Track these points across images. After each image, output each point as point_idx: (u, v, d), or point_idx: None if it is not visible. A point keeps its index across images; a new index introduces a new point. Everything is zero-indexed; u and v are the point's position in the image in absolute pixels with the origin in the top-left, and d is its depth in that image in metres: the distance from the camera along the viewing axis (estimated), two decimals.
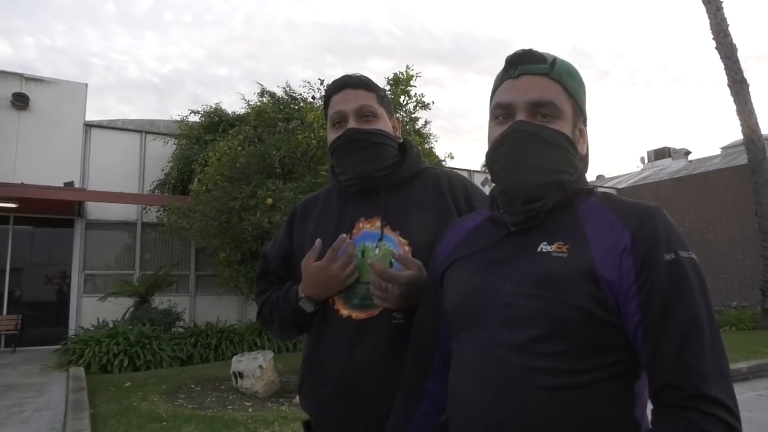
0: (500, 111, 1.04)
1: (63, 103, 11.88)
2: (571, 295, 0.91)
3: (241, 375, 6.67)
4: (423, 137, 8.98)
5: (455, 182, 1.45)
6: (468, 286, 1.06)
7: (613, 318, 0.91)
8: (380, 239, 1.34)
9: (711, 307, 0.91)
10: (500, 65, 1.07)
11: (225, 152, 7.30)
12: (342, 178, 1.44)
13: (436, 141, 9.98)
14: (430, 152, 8.70)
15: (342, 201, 1.45)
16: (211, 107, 11.89)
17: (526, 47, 1.06)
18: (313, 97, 7.83)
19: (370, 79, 1.45)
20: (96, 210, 11.76)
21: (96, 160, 12.12)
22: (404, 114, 7.28)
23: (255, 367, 6.60)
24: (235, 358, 7.04)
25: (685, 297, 0.88)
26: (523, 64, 1.03)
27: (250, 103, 10.43)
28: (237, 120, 10.89)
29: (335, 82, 1.45)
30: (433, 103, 7.45)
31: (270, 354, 6.99)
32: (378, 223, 1.36)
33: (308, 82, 7.99)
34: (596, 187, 1.08)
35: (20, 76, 11.67)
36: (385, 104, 1.46)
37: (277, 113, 7.87)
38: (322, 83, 7.23)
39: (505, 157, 1.01)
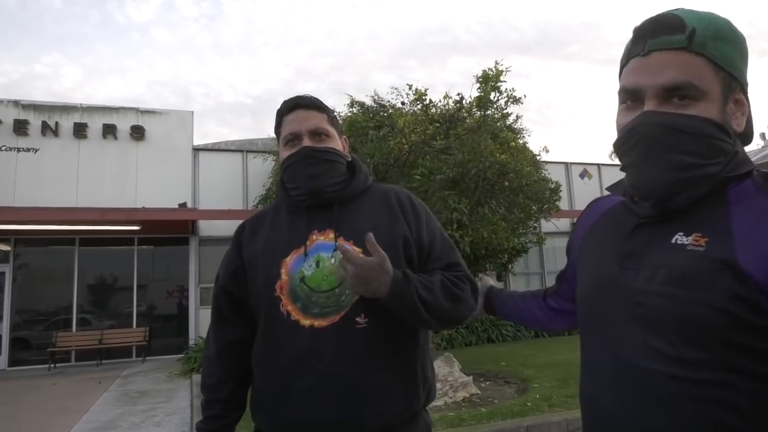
0: (627, 96, 0.90)
1: (173, 131, 12.90)
2: (708, 295, 0.79)
3: None
4: (515, 132, 8.74)
5: (401, 195, 1.52)
6: (598, 278, 0.98)
7: (766, 322, 0.76)
8: (335, 249, 1.37)
9: None
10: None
11: None
12: (294, 193, 1.48)
13: (529, 135, 9.72)
14: (525, 148, 8.44)
15: (293, 215, 1.49)
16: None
17: (660, 12, 0.89)
18: (402, 103, 7.87)
19: (320, 101, 1.52)
20: (207, 227, 12.62)
21: (204, 180, 13.01)
22: (495, 110, 7.12)
23: None
24: None
25: None
26: (654, 37, 0.86)
27: (341, 114, 10.71)
28: None
29: (286, 102, 1.51)
30: (525, 96, 7.23)
31: None
32: (331, 235, 1.41)
33: (396, 89, 8.07)
34: (757, 168, 0.88)
35: (136, 110, 12.82)
36: (335, 124, 1.54)
37: (367, 122, 8.01)
38: (410, 88, 7.26)
39: (635, 156, 0.88)
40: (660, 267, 0.86)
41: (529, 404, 5.47)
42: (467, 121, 7.14)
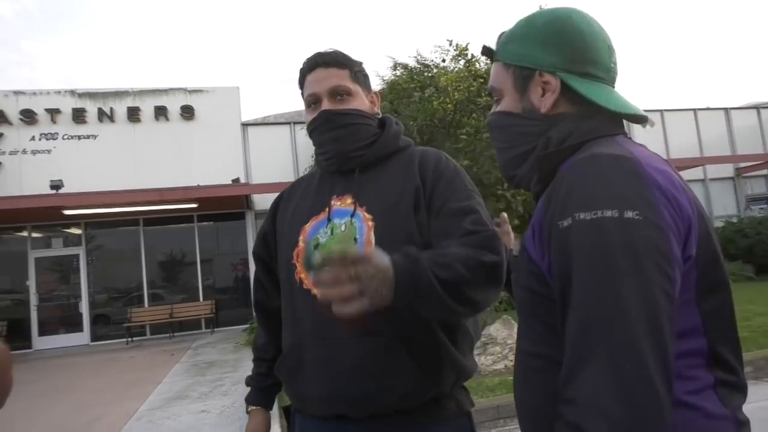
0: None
1: (221, 108, 13.08)
2: (521, 276, 0.88)
3: None
4: None
5: (428, 154, 1.39)
6: None
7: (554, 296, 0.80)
8: (352, 215, 1.30)
9: (614, 288, 0.69)
10: None
11: None
12: (321, 158, 1.43)
13: None
14: None
15: (321, 182, 1.44)
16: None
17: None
18: (443, 60, 7.58)
19: (342, 55, 1.40)
20: (261, 201, 12.85)
21: (255, 155, 13.20)
22: None
23: None
24: None
25: (575, 275, 0.73)
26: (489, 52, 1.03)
27: (384, 78, 10.50)
28: None
29: (307, 61, 1.41)
30: None
31: None
32: (349, 200, 1.34)
33: (439, 46, 7.75)
34: (585, 149, 0.86)
35: (184, 90, 13.06)
36: (360, 79, 1.42)
37: (410, 83, 7.79)
38: (451, 43, 6.95)
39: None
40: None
41: None
42: None
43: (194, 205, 11.94)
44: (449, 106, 6.45)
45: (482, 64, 6.94)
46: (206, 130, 12.91)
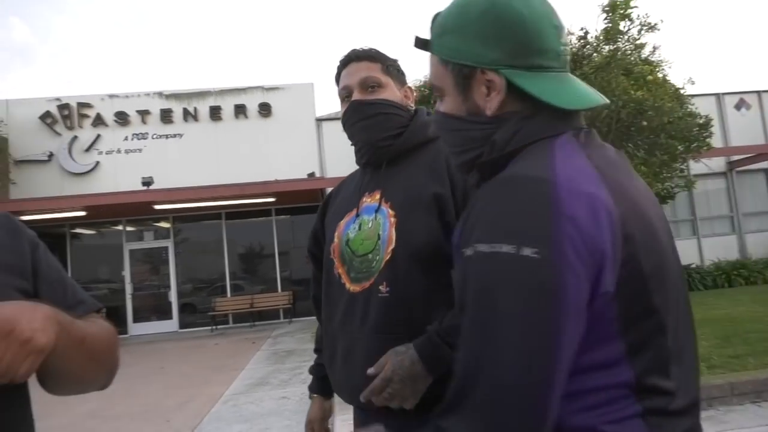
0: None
1: (296, 104, 13.44)
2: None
3: None
4: (652, 65, 7.78)
5: None
6: None
7: None
8: (377, 210, 1.33)
9: (494, 332, 0.68)
10: None
11: None
12: (355, 149, 1.45)
13: (670, 67, 8.56)
14: (665, 81, 7.50)
15: (360, 177, 1.47)
16: (420, 81, 12.16)
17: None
18: None
19: (376, 50, 1.42)
20: None
21: (329, 149, 13.45)
22: (627, 42, 6.37)
23: None
24: None
25: (468, 306, 0.72)
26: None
27: None
28: None
29: (342, 57, 1.44)
30: (662, 21, 6.37)
31: None
32: (377, 196, 1.36)
33: None
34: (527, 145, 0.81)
35: (261, 88, 13.52)
36: (393, 73, 1.42)
37: None
38: None
39: None
40: None
41: None
42: (594, 58, 6.48)
43: (272, 199, 12.36)
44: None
45: None
46: (282, 126, 13.30)
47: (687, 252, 12.78)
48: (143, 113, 13.06)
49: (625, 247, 0.71)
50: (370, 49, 1.42)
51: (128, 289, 13.10)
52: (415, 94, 1.49)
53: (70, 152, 12.78)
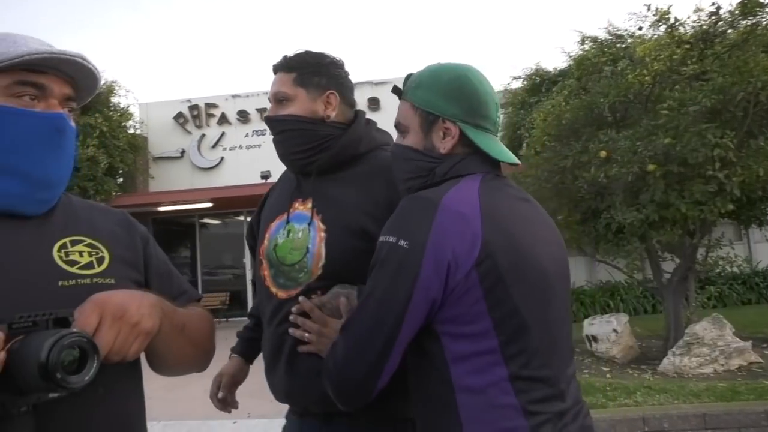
0: None
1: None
2: None
3: (594, 338, 6.41)
4: None
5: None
6: None
7: None
8: (309, 223, 1.32)
9: (381, 288, 1.00)
10: None
11: (549, 111, 7.02)
12: None
13: None
14: None
15: (293, 180, 1.45)
16: (531, 69, 11.75)
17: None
18: (640, 28, 6.83)
19: (297, 58, 1.38)
20: None
21: None
22: None
23: (609, 330, 6.25)
24: (586, 321, 6.81)
25: (371, 274, 1.04)
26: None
27: (571, 54, 9.85)
28: (559, 76, 10.50)
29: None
30: None
31: (624, 317, 6.52)
32: (309, 204, 1.36)
33: (634, 13, 6.99)
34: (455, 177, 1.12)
35: (371, 83, 13.81)
36: (308, 82, 1.36)
37: (600, 57, 7.18)
38: (648, 8, 6.22)
39: None
40: None
41: None
42: (728, 35, 5.84)
43: None
44: (647, 78, 5.77)
45: (687, 28, 6.09)
46: (391, 119, 13.41)
47: None
48: (262, 111, 13.89)
49: (484, 250, 0.96)
50: (291, 58, 1.39)
51: (248, 275, 14.05)
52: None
53: (198, 149, 13.97)
